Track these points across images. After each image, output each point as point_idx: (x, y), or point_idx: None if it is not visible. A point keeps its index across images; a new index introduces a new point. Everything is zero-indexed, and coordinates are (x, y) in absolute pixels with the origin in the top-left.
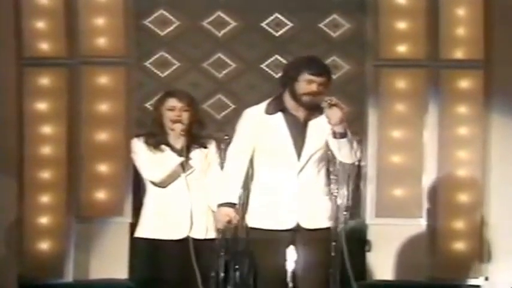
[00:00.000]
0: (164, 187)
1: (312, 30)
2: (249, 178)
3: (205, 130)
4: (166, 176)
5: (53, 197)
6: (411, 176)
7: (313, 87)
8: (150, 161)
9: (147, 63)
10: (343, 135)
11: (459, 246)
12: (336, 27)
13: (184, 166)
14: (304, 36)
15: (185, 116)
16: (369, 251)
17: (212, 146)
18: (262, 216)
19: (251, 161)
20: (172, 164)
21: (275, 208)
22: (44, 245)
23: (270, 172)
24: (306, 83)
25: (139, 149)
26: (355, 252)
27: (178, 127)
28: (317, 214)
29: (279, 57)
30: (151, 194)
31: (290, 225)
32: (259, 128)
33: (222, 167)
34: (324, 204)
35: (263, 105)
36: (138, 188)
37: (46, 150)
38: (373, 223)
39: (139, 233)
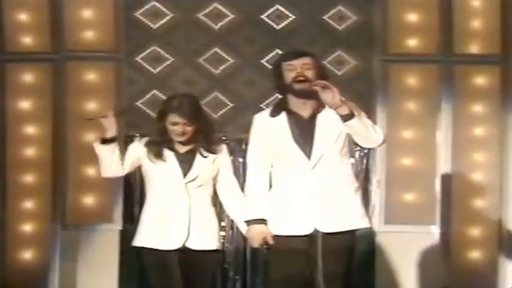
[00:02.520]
0: (164, 195)
1: (315, 23)
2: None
3: (216, 134)
4: (109, 168)
5: (37, 202)
6: (423, 180)
7: (297, 69)
8: (153, 169)
9: (138, 59)
10: (349, 117)
11: (475, 255)
12: (341, 19)
13: (185, 172)
14: (306, 30)
15: (189, 129)
16: (376, 260)
17: (223, 152)
18: (278, 222)
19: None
20: (105, 152)
21: (291, 213)
22: (27, 255)
23: (282, 176)
24: (289, 72)
25: (131, 148)
26: (362, 262)
27: (182, 139)
28: (342, 215)
29: (280, 52)
30: (150, 202)
31: (307, 230)
32: (268, 131)
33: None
34: (353, 202)
35: (270, 108)
36: (128, 193)
37: (29, 152)
38: (382, 230)
39: (137, 241)
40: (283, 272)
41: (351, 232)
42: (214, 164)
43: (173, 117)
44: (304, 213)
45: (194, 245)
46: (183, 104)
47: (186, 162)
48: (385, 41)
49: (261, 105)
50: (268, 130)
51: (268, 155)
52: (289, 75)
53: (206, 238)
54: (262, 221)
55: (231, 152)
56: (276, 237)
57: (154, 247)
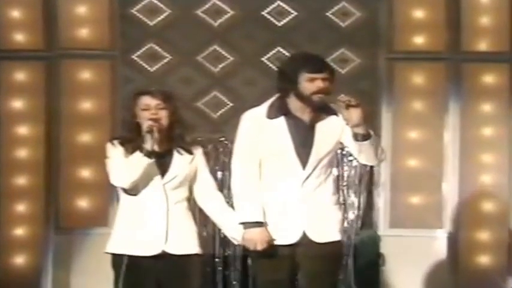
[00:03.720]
0: (139, 196)
1: (318, 20)
2: None
3: (190, 133)
4: (134, 180)
5: (30, 205)
6: (429, 182)
7: (319, 84)
8: (120, 165)
9: (134, 57)
10: (365, 137)
11: (484, 260)
12: (345, 15)
13: (162, 172)
14: (309, 26)
15: (163, 114)
16: (382, 265)
17: (199, 152)
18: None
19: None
20: (139, 166)
21: (279, 221)
22: (20, 259)
23: (273, 182)
24: (309, 83)
25: (113, 153)
26: (366, 267)
27: (149, 124)
28: (326, 226)
29: (282, 50)
30: (124, 204)
31: (294, 238)
32: (262, 133)
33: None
34: (334, 214)
35: (264, 107)
36: None
37: (22, 153)
38: (387, 234)
39: (110, 247)
40: (270, 278)
41: (336, 243)
42: (191, 165)
43: (144, 100)
44: (292, 221)
45: (174, 249)
46: (155, 88)
47: (163, 162)
48: (391, 39)
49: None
50: (264, 132)
51: (257, 156)
52: (308, 87)
53: (186, 242)
54: (261, 224)
55: (230, 154)
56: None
57: (131, 253)
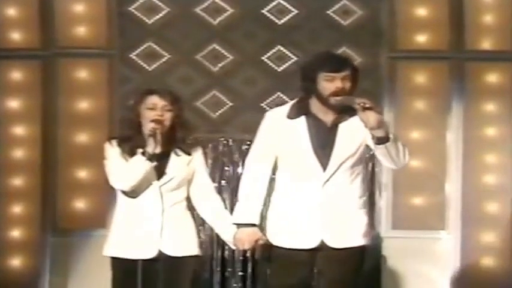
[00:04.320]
0: (135, 197)
1: (319, 18)
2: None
3: (192, 135)
4: (136, 183)
5: (26, 206)
6: (432, 183)
7: (337, 84)
8: (120, 168)
9: (132, 56)
10: (384, 140)
11: (487, 262)
12: (346, 14)
13: (159, 173)
14: (310, 25)
15: (167, 116)
16: (384, 267)
17: (198, 154)
18: (281, 232)
19: (273, 170)
20: (141, 169)
21: (296, 224)
22: (16, 262)
23: (292, 184)
24: (327, 82)
25: (111, 154)
26: (369, 269)
27: (152, 126)
28: (348, 231)
29: (282, 48)
30: (121, 205)
31: (313, 244)
32: (281, 133)
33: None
34: (358, 218)
35: (287, 106)
36: None
37: (18, 153)
38: (389, 236)
39: (106, 250)
40: (284, 283)
41: (358, 248)
42: (189, 166)
43: (152, 99)
44: (311, 225)
45: (171, 251)
46: (163, 89)
47: (160, 164)
48: (393, 37)
49: (262, 105)
50: (283, 132)
51: (273, 157)
52: (326, 87)
53: (183, 243)
54: (253, 226)
55: (231, 154)
56: (278, 248)
57: (127, 256)
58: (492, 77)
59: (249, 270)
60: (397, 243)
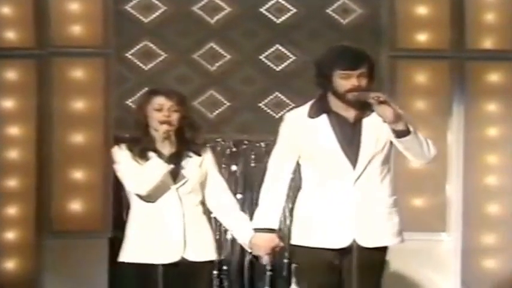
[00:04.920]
0: (152, 201)
1: (318, 17)
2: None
3: (200, 135)
4: (154, 187)
5: (21, 208)
6: (433, 184)
7: (353, 81)
8: (135, 172)
9: (128, 55)
10: (405, 133)
11: (490, 264)
12: (345, 12)
13: (174, 176)
14: (309, 24)
15: (175, 116)
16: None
17: (207, 154)
18: (311, 232)
19: (299, 170)
20: (160, 172)
21: (327, 223)
22: (10, 264)
23: (321, 182)
24: (343, 80)
25: (122, 158)
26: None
27: (166, 129)
28: (380, 230)
29: (280, 48)
30: (137, 210)
31: (344, 243)
32: (303, 133)
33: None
34: (391, 217)
35: (306, 106)
36: (119, 198)
37: (12, 154)
38: None
39: (124, 256)
40: (315, 282)
41: (385, 248)
42: (201, 168)
43: (158, 100)
44: (343, 224)
45: (192, 256)
46: (169, 89)
47: (175, 166)
48: (393, 36)
49: (260, 104)
50: (305, 132)
51: (294, 159)
52: (342, 84)
53: (203, 248)
54: (272, 231)
55: (227, 156)
56: (306, 249)
57: (147, 262)
58: (494, 77)
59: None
60: (398, 246)
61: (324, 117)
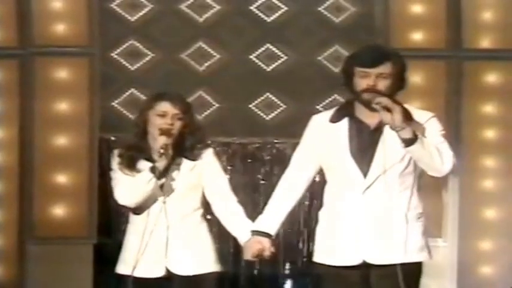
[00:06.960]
0: (139, 213)
1: (310, 15)
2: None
3: (203, 142)
4: (141, 200)
5: (3, 213)
6: (428, 188)
7: (369, 81)
8: (124, 183)
9: (113, 54)
10: (411, 142)
11: (486, 270)
12: (338, 11)
13: (162, 187)
14: (300, 22)
15: (177, 125)
16: None
17: (208, 157)
18: (326, 249)
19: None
20: (149, 188)
21: (337, 239)
22: None
23: (334, 194)
24: (361, 78)
25: (114, 166)
26: None
27: (164, 142)
28: (392, 245)
29: (271, 47)
30: (131, 221)
31: (355, 260)
32: (323, 138)
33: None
34: (408, 231)
35: (332, 110)
36: (104, 202)
37: None
38: None
39: (118, 267)
40: None
41: (409, 264)
42: (193, 171)
43: (163, 106)
44: (351, 241)
45: (180, 269)
46: (176, 94)
47: (161, 174)
48: (387, 35)
49: (250, 106)
50: (324, 136)
51: (314, 165)
52: (360, 83)
53: (197, 260)
54: (268, 236)
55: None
56: (324, 267)
57: (136, 275)
58: (491, 77)
59: None
60: None
61: (344, 122)
